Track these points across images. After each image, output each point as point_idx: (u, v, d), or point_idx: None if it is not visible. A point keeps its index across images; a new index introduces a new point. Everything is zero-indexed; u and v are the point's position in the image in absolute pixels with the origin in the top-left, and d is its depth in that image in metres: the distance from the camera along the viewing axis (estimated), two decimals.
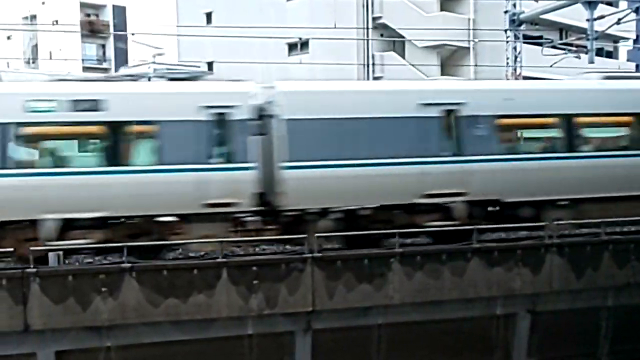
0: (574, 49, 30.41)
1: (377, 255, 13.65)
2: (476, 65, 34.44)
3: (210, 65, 40.72)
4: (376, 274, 13.42)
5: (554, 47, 29.85)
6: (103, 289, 12.03)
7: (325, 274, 13.13)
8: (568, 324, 14.74)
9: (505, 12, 27.66)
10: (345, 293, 13.23)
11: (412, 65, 35.27)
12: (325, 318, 13.35)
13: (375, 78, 34.47)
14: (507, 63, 27.65)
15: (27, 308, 11.77)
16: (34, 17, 55.75)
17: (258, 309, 12.79)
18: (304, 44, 37.60)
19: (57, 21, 51.69)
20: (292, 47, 38.62)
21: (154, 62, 38.31)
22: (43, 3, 54.05)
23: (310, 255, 13.14)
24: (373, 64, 35.37)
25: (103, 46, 58.95)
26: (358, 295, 13.31)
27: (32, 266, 11.98)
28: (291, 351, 13.37)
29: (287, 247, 14.88)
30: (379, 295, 13.43)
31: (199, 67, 39.53)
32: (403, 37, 35.92)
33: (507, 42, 27.68)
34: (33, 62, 53.60)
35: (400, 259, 13.56)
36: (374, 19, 36.06)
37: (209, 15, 42.49)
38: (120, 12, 59.41)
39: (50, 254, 12.64)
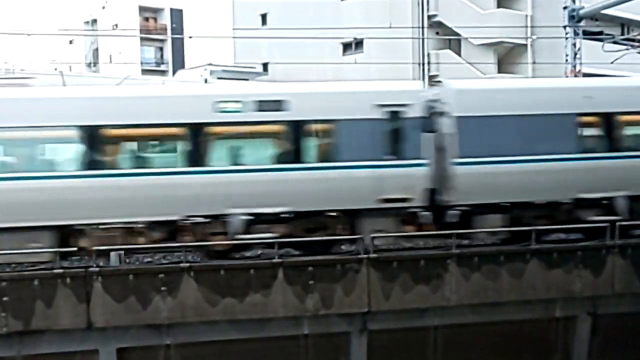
0: (636, 44, 29.58)
1: (433, 257, 13.58)
2: (534, 63, 33.79)
3: (265, 66, 41.06)
4: (433, 275, 13.34)
5: (615, 42, 29.08)
6: (163, 288, 12.29)
7: (381, 274, 13.11)
8: (631, 327, 14.36)
9: (565, 8, 27.04)
10: (401, 294, 13.18)
11: (469, 63, 34.86)
12: (381, 319, 13.33)
13: (430, 77, 34.19)
14: (567, 60, 27.05)
15: (90, 306, 12.12)
16: (94, 21, 57.18)
17: (314, 309, 12.86)
18: (359, 44, 37.55)
19: (116, 25, 52.93)
20: (346, 46, 38.62)
21: (210, 64, 38.86)
22: (103, 7, 55.33)
23: (366, 256, 13.14)
24: (428, 63, 35.08)
25: (161, 49, 60.01)
26: (414, 297, 13.25)
27: (94, 265, 12.32)
28: (347, 352, 13.39)
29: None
30: (436, 296, 13.34)
31: (254, 68, 39.96)
32: (459, 35, 35.52)
33: (567, 38, 27.07)
34: (94, 66, 54.92)
35: (457, 260, 13.45)
36: (429, 17, 35.75)
37: (264, 17, 42.83)
38: (177, 15, 60.39)
39: (112, 254, 12.96)
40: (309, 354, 13.16)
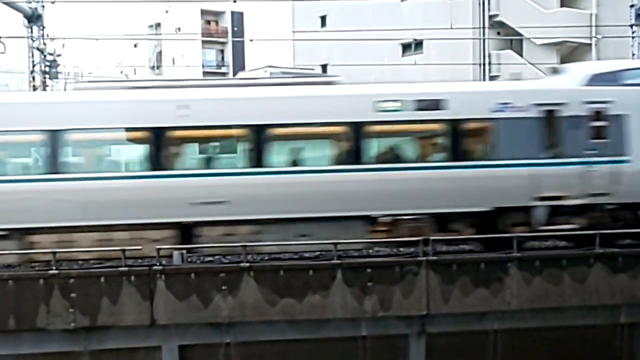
0: None
1: (494, 260, 13.41)
2: None
3: (324, 67, 41.22)
4: (493, 278, 13.19)
5: None
6: (223, 287, 12.50)
7: (440, 277, 13.03)
8: None
9: (631, 6, 26.39)
10: (460, 297, 13.07)
11: (530, 63, 34.29)
12: (440, 322, 13.25)
13: (491, 77, 33.78)
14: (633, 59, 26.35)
15: (153, 304, 12.42)
16: (158, 25, 58.43)
17: (372, 310, 12.87)
18: (419, 44, 37.35)
19: (179, 29, 53.94)
20: (406, 47, 38.47)
21: (269, 66, 39.32)
22: (167, 12, 56.52)
23: (425, 258, 13.08)
24: (489, 63, 34.66)
25: (222, 51, 60.90)
26: (474, 300, 13.12)
27: (158, 264, 12.62)
28: (405, 354, 13.35)
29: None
30: (496, 300, 13.18)
31: (312, 69, 40.19)
32: (521, 34, 34.98)
33: (633, 37, 26.39)
34: (157, 69, 56.12)
35: (518, 264, 13.26)
36: (490, 17, 35.32)
37: (323, 19, 43.02)
38: (238, 18, 61.20)
39: (175, 252, 13.24)
40: (366, 356, 13.17)
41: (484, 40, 34.25)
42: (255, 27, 59.52)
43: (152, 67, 56.30)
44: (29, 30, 19.21)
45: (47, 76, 19.83)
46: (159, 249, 12.85)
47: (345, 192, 14.11)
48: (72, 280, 12.36)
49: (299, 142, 14.97)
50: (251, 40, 37.98)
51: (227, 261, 14.00)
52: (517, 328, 13.45)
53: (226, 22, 60.82)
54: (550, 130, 14.57)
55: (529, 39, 35.07)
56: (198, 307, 12.51)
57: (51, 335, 12.45)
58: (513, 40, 35.60)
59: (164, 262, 12.87)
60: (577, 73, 15.33)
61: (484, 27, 34.46)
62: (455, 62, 29.91)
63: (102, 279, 12.43)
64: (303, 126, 14.35)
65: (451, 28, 28.39)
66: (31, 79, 19.48)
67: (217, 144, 15.10)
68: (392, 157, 14.81)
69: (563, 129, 14.58)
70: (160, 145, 13.76)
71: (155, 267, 12.55)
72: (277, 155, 14.33)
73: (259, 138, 13.96)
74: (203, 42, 57.52)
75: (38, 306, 12.26)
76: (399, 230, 14.36)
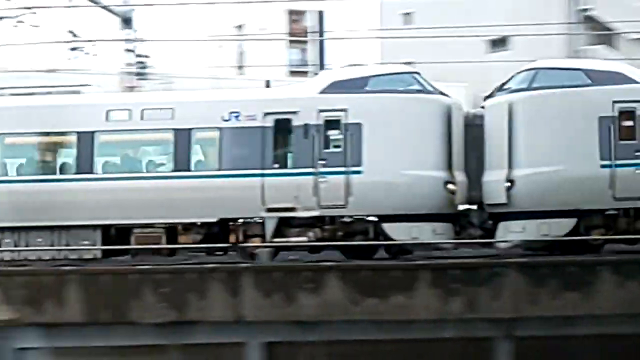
0: None
1: (584, 263, 12.99)
2: None
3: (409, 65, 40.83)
4: (584, 281, 12.75)
5: None
6: (308, 286, 12.56)
7: (528, 279, 12.70)
8: None
9: None
10: (549, 300, 12.70)
11: (622, 59, 33.00)
12: (528, 325, 12.90)
13: None
14: None
15: (240, 300, 12.62)
16: (242, 26, 59.32)
17: (457, 312, 12.68)
18: (506, 41, 36.55)
19: (264, 28, 54.58)
20: (493, 44, 37.71)
21: (352, 65, 39.22)
22: (250, 12, 57.25)
23: (512, 260, 12.79)
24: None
25: (305, 51, 61.28)
26: (563, 303, 12.72)
27: (246, 262, 12.83)
28: (491, 357, 13.09)
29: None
30: (587, 304, 12.75)
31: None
32: (613, 29, 33.72)
33: None
34: (242, 69, 56.98)
35: (609, 267, 12.79)
36: (580, 11, 34.21)
37: (409, 16, 42.67)
38: (320, 18, 61.41)
39: (262, 251, 13.42)
40: (451, 358, 13.01)
41: (574, 35, 33.22)
42: (337, 25, 59.60)
43: (237, 68, 57.19)
44: (122, 33, 19.98)
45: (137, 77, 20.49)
46: (245, 246, 13.06)
47: (74, 201, 14.34)
48: (164, 276, 12.74)
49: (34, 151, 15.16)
50: (338, 39, 37.99)
51: (312, 260, 14.09)
52: (609, 333, 12.96)
53: (309, 22, 61.12)
54: (281, 139, 14.27)
55: (620, 33, 33.79)
56: (283, 304, 12.63)
57: (142, 329, 12.85)
58: (604, 35, 34.39)
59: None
60: (319, 80, 14.72)
61: (573, 22, 33.44)
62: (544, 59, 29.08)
63: (192, 275, 12.75)
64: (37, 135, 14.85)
65: (539, 24, 27.61)
66: (122, 80, 20.23)
67: None
68: (122, 166, 14.88)
69: (294, 138, 14.13)
70: None
71: (242, 265, 12.77)
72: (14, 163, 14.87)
73: None
74: (286, 42, 58.04)
75: (130, 300, 12.69)
76: (135, 240, 14.40)
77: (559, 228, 14.16)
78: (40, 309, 12.88)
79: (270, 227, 14.27)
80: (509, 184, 14.08)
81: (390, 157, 14.31)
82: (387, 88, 14.78)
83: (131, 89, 20.28)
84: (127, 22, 20.01)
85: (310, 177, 14.17)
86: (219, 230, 14.48)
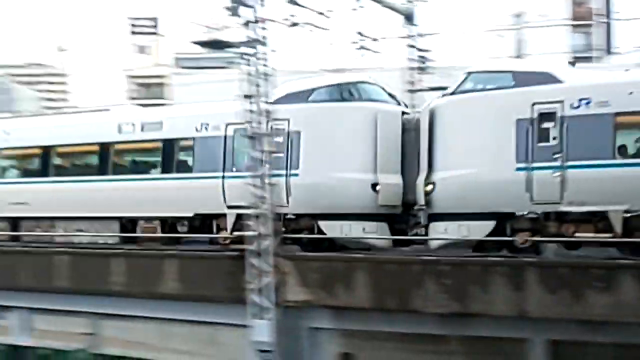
0: None
1: None
2: None
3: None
4: None
5: None
6: (598, 284, 11.88)
7: None
8: None
9: None
10: None
11: None
12: None
13: None
14: None
15: (523, 296, 12.33)
16: (521, 14, 57.59)
17: None
18: None
19: (544, 15, 52.48)
20: None
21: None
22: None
23: None
24: None
25: (589, 35, 57.73)
26: None
27: (529, 256, 12.54)
28: None
29: None
30: None
31: None
32: None
33: None
34: (521, 57, 55.37)
35: None
36: None
37: None
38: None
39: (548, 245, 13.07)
40: None
41: None
42: (625, 6, 55.27)
43: (517, 56, 55.74)
44: (405, 29, 20.59)
45: (418, 72, 20.94)
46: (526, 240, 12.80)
47: (100, 198, 18.44)
48: (445, 267, 12.95)
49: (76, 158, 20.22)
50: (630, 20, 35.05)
51: (601, 257, 13.32)
52: None
53: (593, 4, 57.47)
54: (239, 146, 15.92)
55: None
56: (569, 302, 12.08)
57: (425, 318, 13.19)
58: None
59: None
60: (276, 92, 15.09)
61: None
62: None
63: (474, 268, 12.80)
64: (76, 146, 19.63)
65: None
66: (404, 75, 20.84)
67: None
68: (130, 169, 18.85)
69: (249, 145, 14.78)
70: None
71: (526, 259, 12.52)
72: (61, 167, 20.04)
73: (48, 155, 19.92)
74: (569, 26, 55.19)
75: (414, 289, 13.10)
76: (141, 231, 17.96)
77: (478, 230, 14.27)
78: (331, 293, 13.87)
79: (230, 221, 16.12)
80: (431, 186, 14.65)
81: (323, 161, 15.66)
82: (324, 98, 16.12)
83: (412, 84, 20.81)
84: (409, 18, 20.58)
85: (258, 179, 14.83)
86: (200, 223, 17.02)
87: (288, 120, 15.67)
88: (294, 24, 14.71)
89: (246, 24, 14.30)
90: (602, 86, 13.86)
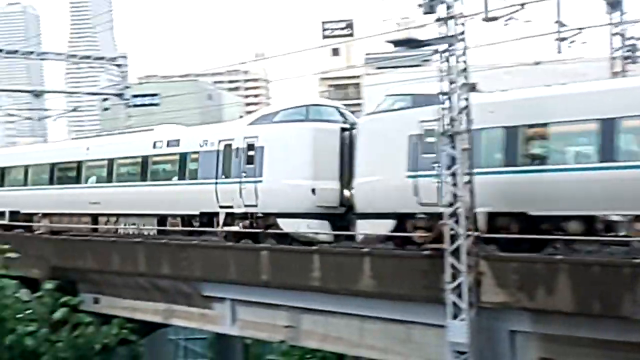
0: None
1: None
2: None
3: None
4: None
5: None
6: None
7: None
8: None
9: None
10: None
11: None
12: None
13: None
14: None
15: None
16: None
17: None
18: None
19: None
20: None
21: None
22: None
23: None
24: None
25: None
26: None
27: None
28: None
29: None
30: None
31: None
32: None
33: None
34: None
35: None
36: None
37: None
38: None
39: None
40: None
41: None
42: None
43: None
44: (609, 17, 19.33)
45: (628, 61, 19.59)
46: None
47: (142, 199, 23.50)
48: None
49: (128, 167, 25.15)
50: None
51: None
52: None
53: None
54: (226, 158, 20.40)
55: None
56: None
57: (636, 325, 12.28)
58: None
59: None
60: (253, 115, 21.04)
61: None
62: None
63: None
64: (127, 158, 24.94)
65: None
66: (611, 65, 19.57)
67: None
68: (160, 176, 23.58)
69: (232, 157, 20.18)
70: None
71: None
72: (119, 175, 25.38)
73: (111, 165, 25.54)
74: None
75: (624, 293, 12.25)
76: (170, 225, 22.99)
77: (382, 227, 17.18)
78: (531, 295, 13.36)
79: (221, 218, 20.57)
80: (352, 191, 18.23)
81: (278, 170, 19.27)
82: (283, 119, 19.90)
83: (619, 74, 19.50)
84: (614, 5, 19.27)
85: (237, 185, 19.90)
86: (207, 219, 21.27)
87: (257, 137, 19.81)
88: (491, 19, 14.28)
89: (442, 20, 14.17)
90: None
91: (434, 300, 14.47)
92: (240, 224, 20.11)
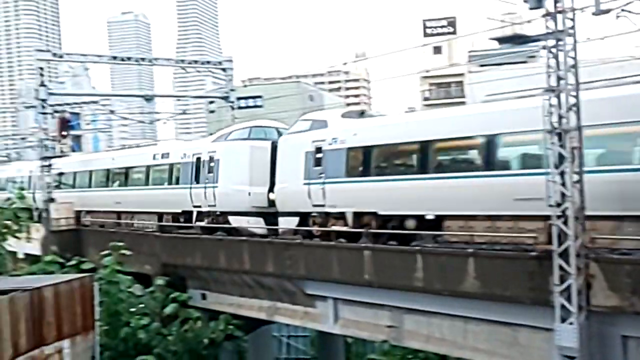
0: None
1: None
2: None
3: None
4: None
5: None
6: None
7: None
8: None
9: None
10: None
11: None
12: None
13: None
14: None
15: None
16: None
17: None
18: None
19: None
20: None
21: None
22: None
23: None
24: None
25: None
26: None
27: None
28: None
29: None
30: None
31: None
32: None
33: None
34: None
35: None
36: None
37: None
38: None
39: None
40: None
41: None
42: None
43: None
44: None
45: None
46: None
47: (147, 200, 30.23)
48: None
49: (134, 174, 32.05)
50: None
51: None
52: None
53: None
54: (197, 168, 26.57)
55: None
56: None
57: None
58: None
59: None
60: (218, 133, 27.58)
61: None
62: None
63: None
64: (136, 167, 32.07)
65: None
66: None
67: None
68: (157, 182, 29.88)
69: (201, 168, 26.44)
70: None
71: None
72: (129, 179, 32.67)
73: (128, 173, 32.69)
74: None
75: None
76: (166, 220, 29.12)
77: (290, 223, 22.62)
78: None
79: (194, 215, 26.70)
80: (275, 194, 23.55)
81: (228, 178, 24.98)
82: (233, 138, 25.78)
83: None
84: None
85: (203, 189, 25.84)
86: (189, 216, 27.17)
87: (215, 152, 25.79)
88: (602, 12, 13.73)
89: (550, 14, 13.78)
90: (343, 130, 21.21)
91: (541, 302, 14.10)
92: (206, 220, 26.12)
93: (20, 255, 40.90)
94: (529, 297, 14.62)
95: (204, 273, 24.98)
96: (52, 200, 33.50)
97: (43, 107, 33.41)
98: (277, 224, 23.26)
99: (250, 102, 60.97)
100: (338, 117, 22.60)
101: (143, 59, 39.75)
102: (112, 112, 50.67)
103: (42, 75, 33.67)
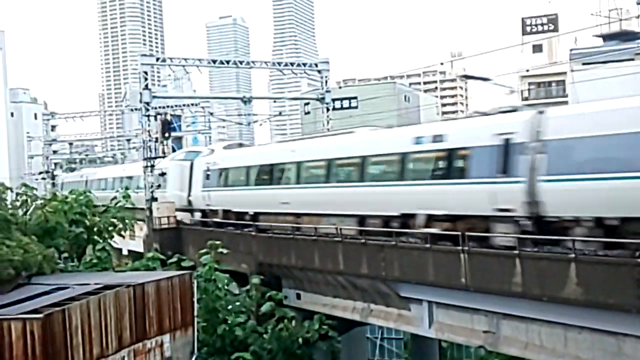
0: None
1: None
2: None
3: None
4: None
5: None
6: None
7: None
8: None
9: None
10: None
11: None
12: None
13: None
14: None
15: None
16: None
17: None
18: None
19: None
20: None
21: None
22: None
23: None
24: None
25: None
26: None
27: None
28: None
29: None
30: None
31: None
32: None
33: None
34: None
35: None
36: None
37: None
38: None
39: None
40: None
41: None
42: None
43: None
44: None
45: None
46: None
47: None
48: None
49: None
50: None
51: None
52: None
53: None
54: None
55: None
56: None
57: None
58: None
59: None
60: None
61: None
62: None
63: None
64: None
65: None
66: None
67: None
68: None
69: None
70: None
71: None
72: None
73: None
74: None
75: None
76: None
77: (197, 216, 35.62)
78: None
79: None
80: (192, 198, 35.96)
81: (173, 186, 36.98)
82: (178, 158, 38.75)
83: None
84: None
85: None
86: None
87: (168, 168, 36.75)
88: None
89: None
90: (220, 157, 34.13)
91: None
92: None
93: (125, 252, 42.75)
94: (635, 306, 13.95)
95: (299, 273, 25.21)
96: (154, 199, 34.72)
97: (147, 109, 34.64)
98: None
99: (346, 103, 61.22)
100: (221, 147, 36.34)
101: (241, 62, 40.59)
102: (211, 114, 52.11)
103: (146, 79, 34.92)
